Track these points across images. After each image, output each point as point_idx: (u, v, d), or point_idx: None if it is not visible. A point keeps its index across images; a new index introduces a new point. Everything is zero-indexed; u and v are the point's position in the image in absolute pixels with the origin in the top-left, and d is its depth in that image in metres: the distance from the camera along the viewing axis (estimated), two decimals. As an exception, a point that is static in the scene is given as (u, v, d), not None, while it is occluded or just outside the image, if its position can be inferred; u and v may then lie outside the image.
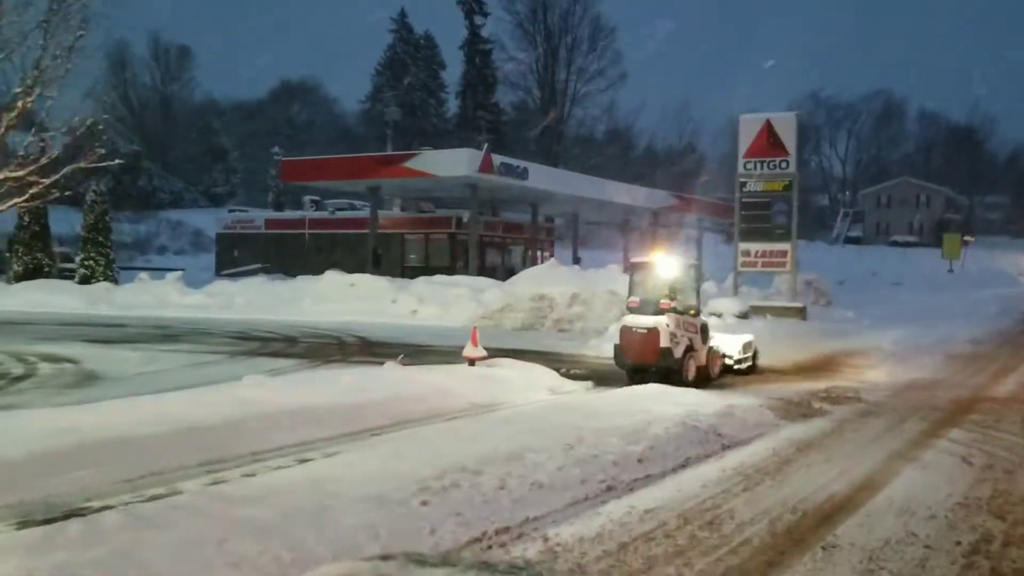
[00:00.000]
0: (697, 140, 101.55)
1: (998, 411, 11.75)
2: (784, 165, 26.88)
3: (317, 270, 32.38)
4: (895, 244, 79.02)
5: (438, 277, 26.79)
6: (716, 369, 14.79)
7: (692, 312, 14.31)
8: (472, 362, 11.88)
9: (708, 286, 28.64)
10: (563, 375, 13.80)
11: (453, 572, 0.89)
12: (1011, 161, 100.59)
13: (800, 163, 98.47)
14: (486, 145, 30.67)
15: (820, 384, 14.27)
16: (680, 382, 13.37)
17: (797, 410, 11.50)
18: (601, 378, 14.10)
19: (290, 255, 41.64)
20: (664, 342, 13.32)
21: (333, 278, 26.74)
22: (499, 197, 38.07)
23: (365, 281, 26.08)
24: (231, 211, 51.13)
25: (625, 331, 13.81)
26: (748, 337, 16.17)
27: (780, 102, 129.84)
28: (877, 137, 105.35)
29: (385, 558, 0.96)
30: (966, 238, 63.25)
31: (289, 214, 46.76)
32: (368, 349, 18.83)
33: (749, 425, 9.90)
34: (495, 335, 20.69)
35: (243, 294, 26.45)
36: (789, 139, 26.85)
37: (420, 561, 0.92)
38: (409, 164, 30.80)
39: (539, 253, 45.35)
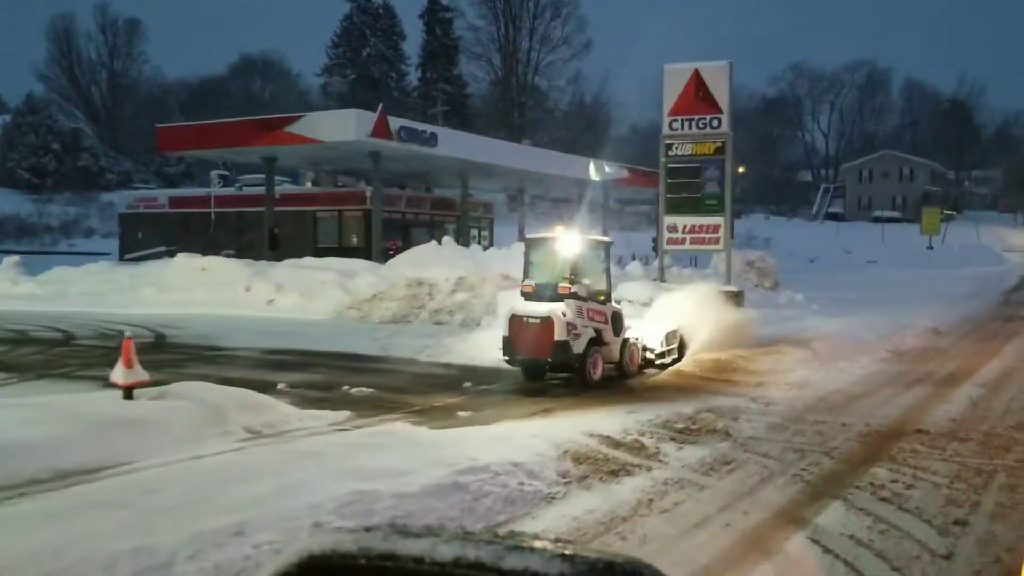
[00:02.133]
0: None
1: (920, 460, 7.69)
2: (716, 124, 22.73)
3: (252, 249, 28.29)
4: (877, 220, 74.92)
5: (306, 260, 22.75)
6: (635, 364, 12.87)
7: (601, 298, 12.42)
8: (127, 392, 7.76)
9: (633, 267, 24.68)
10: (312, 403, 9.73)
11: (436, 541, 0.91)
12: (1000, 133, 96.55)
13: (778, 137, 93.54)
14: (380, 106, 26.50)
15: (695, 402, 10.31)
16: (584, 381, 11.69)
17: (610, 463, 7.46)
18: (380, 404, 10.05)
19: (196, 236, 37.38)
20: (560, 334, 11.40)
21: (184, 262, 22.64)
22: (417, 169, 33.91)
23: (217, 266, 22.01)
24: (135, 188, 46.81)
25: (515, 321, 11.80)
26: (673, 326, 13.93)
27: (761, 73, 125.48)
28: (861, 110, 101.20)
29: (369, 529, 0.96)
30: (947, 212, 59.20)
31: (194, 191, 42.48)
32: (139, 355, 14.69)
33: (479, 512, 5.83)
34: (318, 332, 16.68)
35: (80, 282, 22.38)
36: (721, 93, 22.69)
37: (403, 532, 0.93)
38: (292, 128, 26.59)
39: (478, 232, 41.35)
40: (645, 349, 13.21)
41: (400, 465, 6.22)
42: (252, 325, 18.27)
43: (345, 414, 9.14)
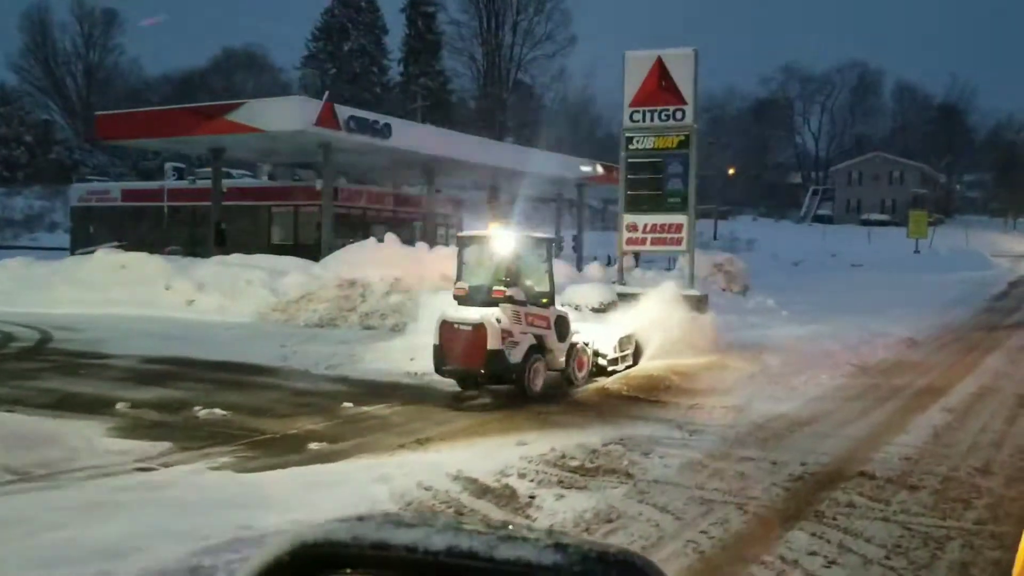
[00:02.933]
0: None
1: (855, 520, 6.03)
2: (680, 115, 21.03)
3: (197, 246, 26.53)
4: (867, 223, 73.40)
5: (235, 257, 21.04)
6: (583, 372, 11.85)
7: (544, 301, 11.47)
8: None
9: (592, 269, 23.05)
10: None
11: (430, 531, 0.92)
12: (992, 136, 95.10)
13: (768, 138, 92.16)
14: (327, 93, 24.80)
15: (609, 430, 8.71)
16: (523, 392, 10.70)
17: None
18: (220, 432, 8.37)
19: (149, 230, 35.67)
20: (493, 342, 10.45)
21: (103, 258, 20.90)
22: (378, 164, 32.25)
23: (138, 263, 20.25)
24: (87, 180, 44.99)
25: (445, 327, 10.80)
26: (628, 330, 13.02)
27: (752, 74, 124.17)
28: (852, 111, 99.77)
29: (362, 518, 0.97)
30: (936, 216, 57.72)
31: (147, 184, 40.74)
32: None
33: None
34: (227, 337, 15.01)
35: (-10, 278, 20.63)
36: (686, 82, 21.00)
37: (397, 522, 0.95)
38: (234, 117, 24.84)
39: (446, 231, 39.67)
40: (597, 355, 12.22)
41: (129, 537, 4.56)
42: (159, 328, 16.55)
43: (164, 446, 7.47)
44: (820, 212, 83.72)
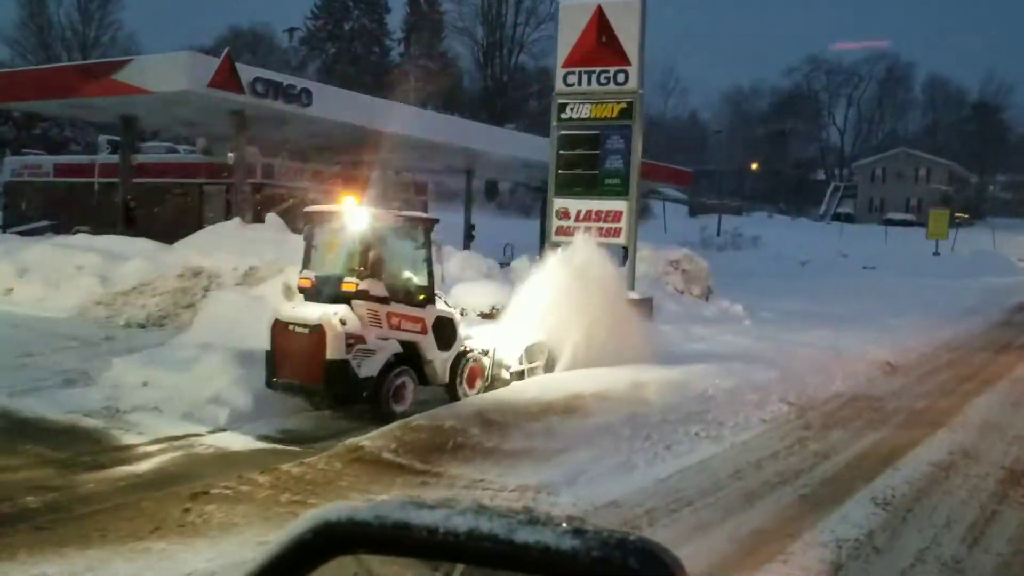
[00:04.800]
0: (686, 104, 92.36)
1: None
2: (622, 78, 17.27)
3: (106, 226, 23.31)
4: (889, 223, 68.70)
5: (78, 238, 17.60)
6: (474, 386, 9.76)
7: (421, 297, 9.48)
8: None
9: (520, 263, 19.29)
10: None
11: (451, 513, 0.93)
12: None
13: (791, 132, 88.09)
14: (227, 49, 21.20)
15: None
16: (382, 414, 8.43)
17: None
18: None
19: (81, 208, 32.41)
20: (333, 350, 8.26)
21: None
22: (319, 137, 28.63)
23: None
24: (24, 154, 41.78)
25: (278, 329, 8.67)
26: (537, 337, 10.82)
27: (776, 66, 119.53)
28: (881, 106, 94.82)
29: (385, 501, 0.98)
30: (959, 216, 53.11)
31: (79, 158, 37.47)
32: None
33: None
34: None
35: None
36: (631, 37, 17.22)
37: (419, 504, 0.96)
38: (120, 76, 21.32)
39: (405, 217, 36.10)
40: (500, 366, 10.18)
41: None
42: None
43: None
44: (841, 210, 79.08)
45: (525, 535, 0.89)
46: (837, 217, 76.23)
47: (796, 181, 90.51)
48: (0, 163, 39.52)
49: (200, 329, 10.46)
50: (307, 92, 23.34)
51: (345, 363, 8.29)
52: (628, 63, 17.13)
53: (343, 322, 8.33)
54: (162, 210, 28.18)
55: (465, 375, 9.65)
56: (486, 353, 10.05)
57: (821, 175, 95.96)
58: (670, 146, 74.94)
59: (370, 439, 7.08)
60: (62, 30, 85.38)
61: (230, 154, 25.78)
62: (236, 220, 17.70)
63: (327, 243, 9.42)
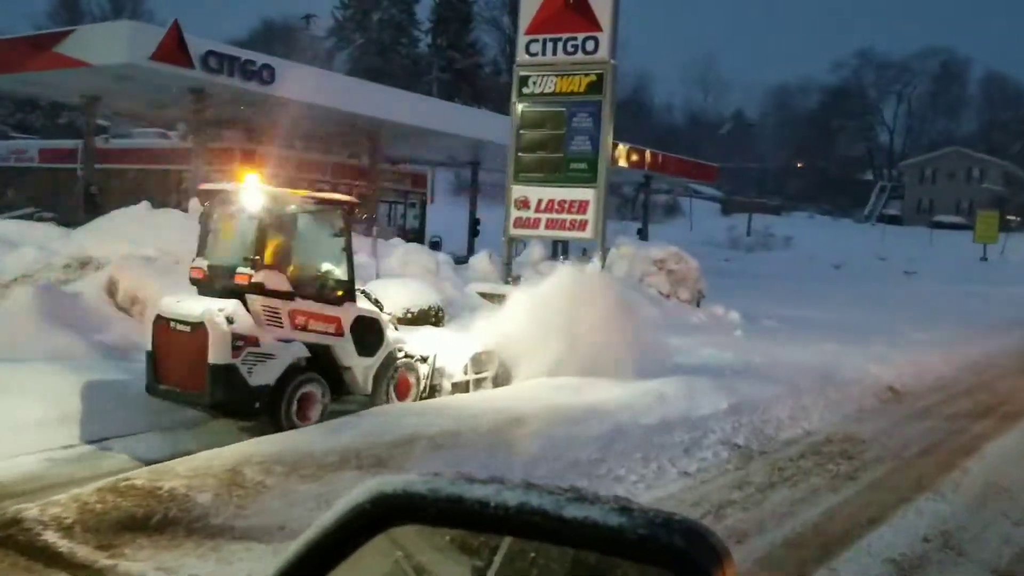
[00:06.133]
0: (729, 101, 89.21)
1: None
2: (591, 46, 14.87)
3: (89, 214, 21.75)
4: (938, 225, 64.80)
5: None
6: (406, 396, 8.39)
7: (339, 293, 8.15)
8: None
9: (479, 260, 17.03)
10: None
11: (501, 488, 0.96)
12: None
13: (838, 130, 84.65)
14: (175, 20, 19.24)
15: None
16: (281, 427, 7.09)
17: None
18: None
19: (66, 195, 30.90)
20: (217, 354, 6.96)
21: None
22: (302, 122, 26.59)
23: None
24: (11, 139, 40.58)
25: (160, 327, 7.37)
26: (486, 345, 9.48)
27: (822, 60, 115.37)
28: (933, 103, 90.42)
29: (438, 474, 1.02)
30: (1010, 218, 49.42)
31: (65, 143, 36.04)
32: None
33: None
34: None
35: None
36: (602, 1, 14.80)
37: (470, 479, 0.99)
38: (62, 49, 19.51)
39: (405, 211, 34.05)
40: (442, 374, 8.93)
41: None
42: None
43: None
44: (887, 211, 75.16)
45: (573, 511, 0.91)
46: (883, 219, 72.43)
47: (841, 181, 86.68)
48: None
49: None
50: (268, 68, 21.32)
51: (232, 368, 7.04)
52: (598, 28, 14.74)
53: (230, 320, 7.09)
54: (127, 196, 26.41)
55: (392, 385, 8.32)
56: (424, 360, 8.76)
57: (869, 175, 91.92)
58: (711, 143, 72.06)
59: (41, 506, 4.85)
60: (92, 21, 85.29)
61: (172, 134, 23.97)
62: (144, 204, 15.68)
63: (225, 227, 8.08)
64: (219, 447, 6.21)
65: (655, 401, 8.24)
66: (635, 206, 54.36)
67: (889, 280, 37.94)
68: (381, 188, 30.97)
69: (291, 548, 1.01)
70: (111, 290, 9.40)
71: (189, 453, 6.24)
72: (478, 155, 35.26)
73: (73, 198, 29.65)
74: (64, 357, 7.69)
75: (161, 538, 4.78)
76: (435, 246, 32.64)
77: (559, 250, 20.83)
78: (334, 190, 28.91)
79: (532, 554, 1.03)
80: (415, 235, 33.07)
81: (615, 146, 36.77)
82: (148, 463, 6.04)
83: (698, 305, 17.56)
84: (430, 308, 12.01)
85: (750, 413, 8.71)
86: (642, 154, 39.14)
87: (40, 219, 24.65)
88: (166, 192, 28.39)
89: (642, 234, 39.44)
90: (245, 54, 21.34)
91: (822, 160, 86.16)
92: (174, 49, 19.00)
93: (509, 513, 0.93)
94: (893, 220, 71.18)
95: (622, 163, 36.46)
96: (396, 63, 73.97)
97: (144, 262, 10.31)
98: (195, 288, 7.79)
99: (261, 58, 21.66)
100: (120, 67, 18.77)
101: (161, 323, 7.35)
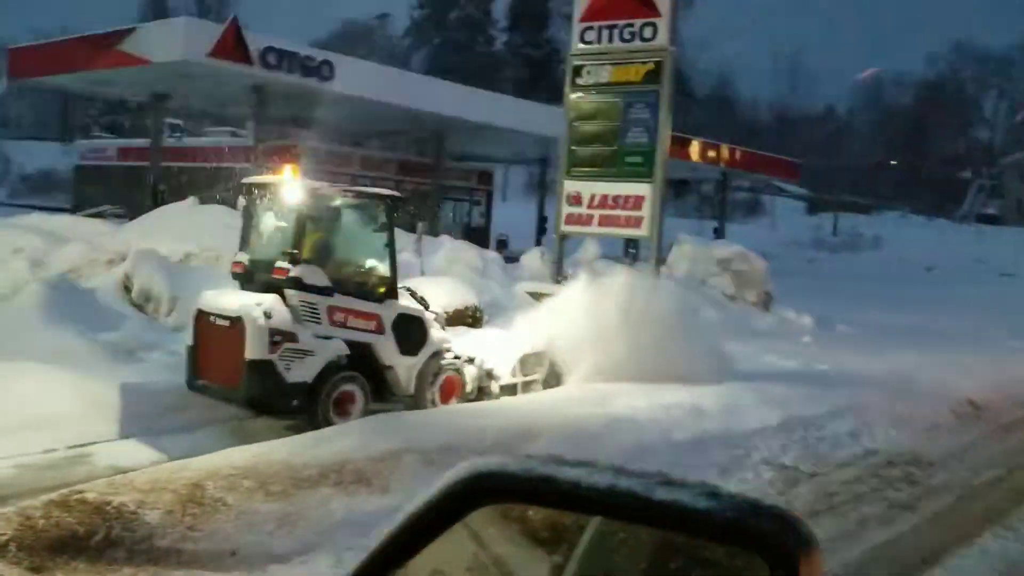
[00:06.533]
0: (815, 95, 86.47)
1: None
2: (649, 33, 14.10)
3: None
4: (1046, 227, 61.07)
5: (29, 218, 15.77)
6: (450, 398, 8.09)
7: (381, 291, 7.87)
8: None
9: (530, 258, 16.40)
10: None
11: (592, 471, 0.97)
12: None
13: (934, 126, 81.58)
14: (233, 16, 19.14)
15: None
16: (316, 424, 6.95)
17: None
18: None
19: (140, 193, 31.57)
20: (254, 350, 6.83)
21: None
22: (360, 118, 26.47)
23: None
24: (93, 137, 41.60)
25: (201, 321, 7.30)
26: (536, 346, 9.05)
27: (914, 54, 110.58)
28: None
29: (530, 456, 1.04)
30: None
31: (138, 142, 36.85)
32: None
33: None
34: None
35: None
36: (661, -17, 14.00)
37: (561, 461, 1.01)
38: (125, 47, 19.66)
39: (470, 207, 33.66)
40: (491, 376, 8.64)
41: None
42: None
43: None
44: (985, 211, 71.50)
45: (662, 493, 0.92)
46: (980, 219, 68.88)
47: (937, 179, 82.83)
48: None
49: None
50: (328, 64, 21.12)
51: (268, 364, 6.92)
52: (657, 14, 13.95)
53: (267, 315, 6.95)
54: (196, 193, 26.73)
55: (437, 386, 8.09)
56: (471, 361, 8.51)
57: (966, 173, 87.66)
58: (799, 139, 69.70)
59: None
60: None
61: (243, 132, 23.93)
62: (190, 200, 15.56)
63: (265, 222, 8.00)
64: (203, 454, 5.78)
65: (689, 414, 7.48)
66: (714, 205, 52.88)
67: (985, 283, 35.78)
68: (445, 185, 30.63)
69: (393, 522, 1.03)
70: (127, 286, 9.11)
71: (172, 459, 5.82)
72: (546, 152, 34.64)
73: (144, 195, 30.19)
74: (65, 356, 7.37)
75: (100, 561, 4.31)
76: (502, 244, 32.20)
77: (626, 248, 19.98)
78: (397, 187, 28.87)
79: (621, 534, 1.07)
80: (480, 233, 32.65)
81: (688, 141, 35.83)
82: (124, 471, 5.62)
83: (767, 308, 16.55)
84: (466, 308, 11.49)
85: (804, 429, 7.86)
86: (718, 150, 37.84)
87: (112, 216, 25.17)
88: (231, 189, 28.60)
89: (719, 233, 38.27)
90: (304, 50, 21.18)
91: (916, 157, 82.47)
92: (232, 46, 18.93)
93: (599, 494, 0.93)
94: (991, 220, 67.56)
95: (695, 159, 35.35)
96: (473, 61, 74.10)
97: (158, 258, 10.00)
98: (237, 282, 7.73)
99: (320, 54, 21.48)
100: (178, 64, 18.80)
101: (201, 317, 7.30)
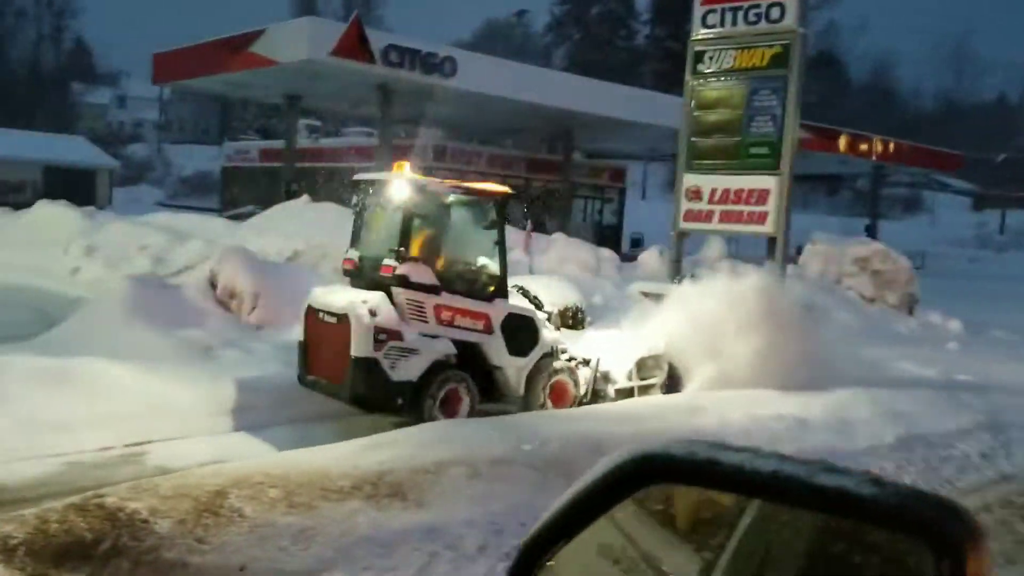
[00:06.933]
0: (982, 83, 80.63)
1: None
2: (776, 13, 13.06)
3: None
4: None
5: (159, 216, 16.27)
6: (563, 401, 7.88)
7: (491, 289, 7.69)
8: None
9: (647, 257, 15.67)
10: None
11: (755, 456, 1.00)
12: None
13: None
14: (355, 12, 19.25)
15: None
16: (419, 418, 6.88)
17: None
18: None
19: (279, 193, 32.80)
20: (359, 347, 6.79)
21: (48, 211, 17.05)
22: (486, 115, 26.36)
23: (47, 220, 16.21)
24: (239, 139, 43.18)
25: (311, 318, 7.35)
26: (654, 349, 8.62)
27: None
28: None
29: (692, 441, 1.07)
30: None
31: (278, 144, 38.07)
32: None
33: None
34: None
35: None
36: (789, -42, 12.95)
37: (725, 446, 1.03)
38: (255, 48, 20.19)
39: (601, 205, 32.97)
40: (607, 379, 8.32)
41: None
42: None
43: None
44: None
45: (825, 479, 0.93)
46: None
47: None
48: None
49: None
50: (450, 61, 21.01)
51: (373, 362, 6.86)
52: (784, -8, 12.87)
53: (373, 312, 6.90)
54: (329, 192, 27.35)
55: (548, 388, 7.86)
56: (587, 363, 8.25)
57: None
58: (965, 130, 64.95)
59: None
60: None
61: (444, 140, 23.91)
62: (304, 198, 15.69)
63: (375, 218, 7.91)
64: (259, 456, 5.53)
65: (792, 428, 6.65)
66: (868, 201, 49.98)
67: None
68: (575, 183, 30.09)
69: (559, 500, 1.06)
70: (213, 283, 9.10)
71: (220, 462, 5.59)
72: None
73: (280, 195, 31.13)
74: (141, 353, 7.33)
75: (103, 572, 4.05)
76: (636, 243, 31.36)
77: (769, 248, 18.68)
78: (526, 185, 28.57)
79: (784, 515, 1.08)
80: (612, 231, 31.93)
81: (836, 133, 33.83)
82: (169, 471, 5.43)
83: (910, 312, 15.12)
84: (567, 308, 10.92)
85: (925, 448, 6.87)
86: (870, 142, 35.54)
87: (247, 214, 25.99)
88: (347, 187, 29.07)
89: (871, 231, 36.01)
90: (426, 46, 21.14)
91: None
92: (354, 44, 19.09)
93: (763, 478, 0.95)
94: None
95: (844, 152, 33.37)
96: (614, 56, 73.24)
97: (244, 254, 9.95)
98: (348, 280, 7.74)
99: (443, 50, 21.39)
100: (303, 64, 19.12)
101: (311, 314, 7.32)
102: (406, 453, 5.44)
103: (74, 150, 41.15)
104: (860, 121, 44.30)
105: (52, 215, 16.67)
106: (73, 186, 37.30)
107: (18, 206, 19.05)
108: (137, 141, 67.98)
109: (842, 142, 33.22)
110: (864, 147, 35.24)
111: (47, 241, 16.10)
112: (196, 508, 4.49)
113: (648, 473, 1.05)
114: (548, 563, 1.08)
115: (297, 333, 8.41)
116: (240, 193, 36.12)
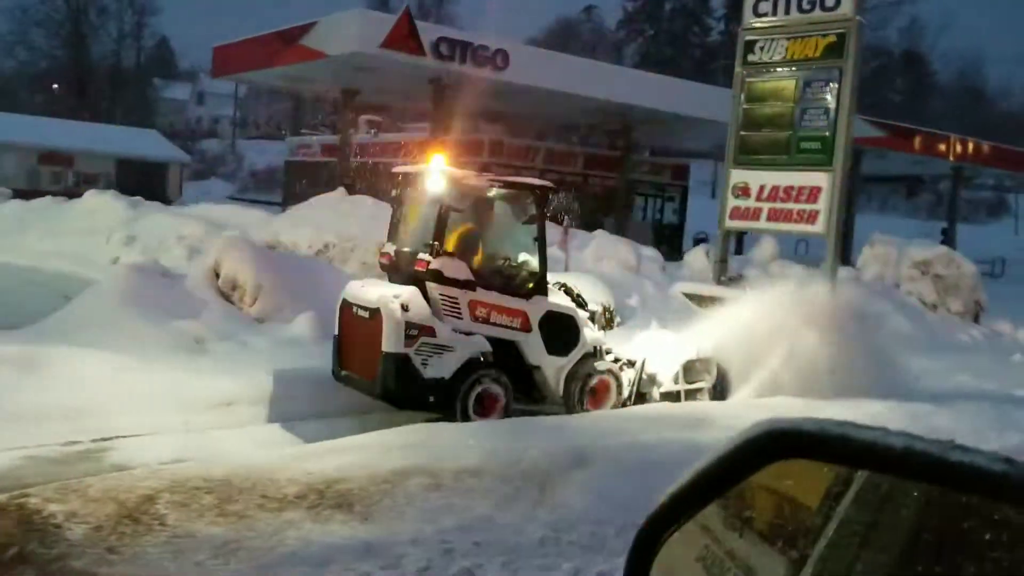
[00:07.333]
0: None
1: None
2: (831, 1, 12.30)
3: None
4: None
5: (201, 207, 16.20)
6: (603, 403, 7.63)
7: (529, 286, 7.45)
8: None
9: (693, 256, 15.03)
10: None
11: (887, 434, 1.00)
12: None
13: None
14: (405, 6, 18.98)
15: None
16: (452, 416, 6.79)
17: None
18: None
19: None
20: (390, 343, 6.67)
21: (96, 201, 17.23)
22: (547, 107, 25.84)
23: (96, 208, 16.35)
24: (302, 134, 43.38)
25: (345, 312, 7.26)
26: (702, 352, 8.26)
27: None
28: None
29: (821, 420, 1.06)
30: None
31: (336, 139, 38.19)
32: None
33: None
34: None
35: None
36: (847, -60, 12.16)
37: (856, 424, 1.03)
38: (306, 41, 20.09)
39: (662, 203, 32.11)
40: (652, 382, 8.08)
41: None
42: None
43: None
44: None
45: (958, 456, 0.94)
46: None
47: None
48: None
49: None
50: (502, 54, 20.57)
51: (405, 358, 6.71)
52: (841, -23, 12.08)
53: (405, 308, 6.75)
54: (381, 189, 27.24)
55: (588, 389, 7.60)
56: (631, 365, 7.98)
57: None
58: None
59: None
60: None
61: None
62: (339, 191, 15.47)
63: (412, 212, 7.75)
64: (223, 456, 5.20)
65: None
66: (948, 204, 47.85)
67: None
68: (635, 180, 29.38)
69: (690, 469, 1.07)
70: (217, 273, 8.87)
71: (180, 461, 5.27)
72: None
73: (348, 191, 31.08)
74: (130, 343, 7.08)
75: (0, 580, 3.74)
76: (698, 243, 30.46)
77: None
78: (584, 182, 27.98)
79: (885, 489, 1.12)
80: (672, 231, 31.09)
81: (912, 133, 32.35)
82: (125, 469, 5.13)
83: (975, 320, 14.12)
84: (600, 312, 10.43)
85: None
86: (948, 142, 33.91)
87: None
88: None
89: (947, 235, 34.38)
90: (477, 39, 20.75)
91: None
92: (404, 36, 18.82)
93: (895, 454, 0.96)
94: None
95: (919, 151, 31.91)
96: (687, 53, 71.97)
97: (248, 245, 9.70)
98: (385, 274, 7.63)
99: (494, 43, 20.98)
100: (352, 56, 18.94)
101: (346, 308, 7.22)
102: (368, 458, 5.03)
103: (147, 144, 42.05)
104: (945, 121, 42.45)
105: (98, 204, 16.82)
106: (145, 179, 38.13)
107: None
108: (213, 137, 69.42)
109: (917, 141, 31.75)
110: (942, 147, 33.66)
111: (93, 230, 16.27)
112: (118, 513, 4.16)
113: (779, 448, 1.04)
114: (672, 536, 1.08)
115: (301, 328, 8.13)
116: (302, 187, 36.41)
